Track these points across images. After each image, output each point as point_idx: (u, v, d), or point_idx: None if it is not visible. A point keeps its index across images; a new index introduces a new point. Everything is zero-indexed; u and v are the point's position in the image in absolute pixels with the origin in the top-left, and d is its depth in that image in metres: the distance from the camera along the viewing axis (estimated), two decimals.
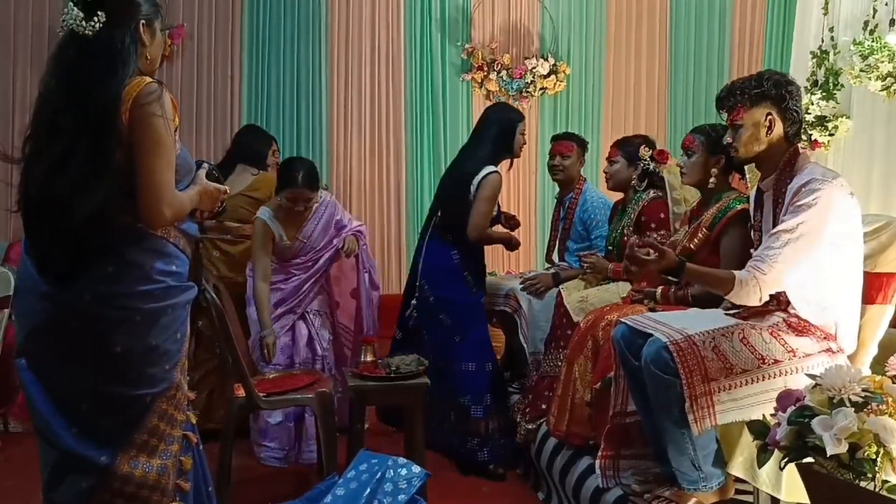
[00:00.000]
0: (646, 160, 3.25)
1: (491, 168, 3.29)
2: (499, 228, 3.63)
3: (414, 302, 3.43)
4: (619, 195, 3.51)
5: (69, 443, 1.77)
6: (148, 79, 1.80)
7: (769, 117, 2.16)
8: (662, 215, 3.10)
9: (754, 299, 2.08)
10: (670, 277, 2.22)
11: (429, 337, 3.41)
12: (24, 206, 1.79)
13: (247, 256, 3.61)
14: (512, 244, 3.56)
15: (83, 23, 1.76)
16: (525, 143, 3.49)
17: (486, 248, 3.56)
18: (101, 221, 1.73)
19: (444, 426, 3.37)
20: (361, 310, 3.69)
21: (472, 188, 3.27)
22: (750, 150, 2.20)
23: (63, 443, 1.77)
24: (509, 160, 3.47)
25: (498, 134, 3.36)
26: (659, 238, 2.91)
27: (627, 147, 3.35)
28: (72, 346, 1.78)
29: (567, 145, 3.74)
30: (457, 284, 3.34)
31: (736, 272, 2.11)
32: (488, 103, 6.32)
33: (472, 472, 3.26)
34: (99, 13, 1.76)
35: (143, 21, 1.84)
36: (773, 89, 2.16)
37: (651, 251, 2.14)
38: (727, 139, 2.26)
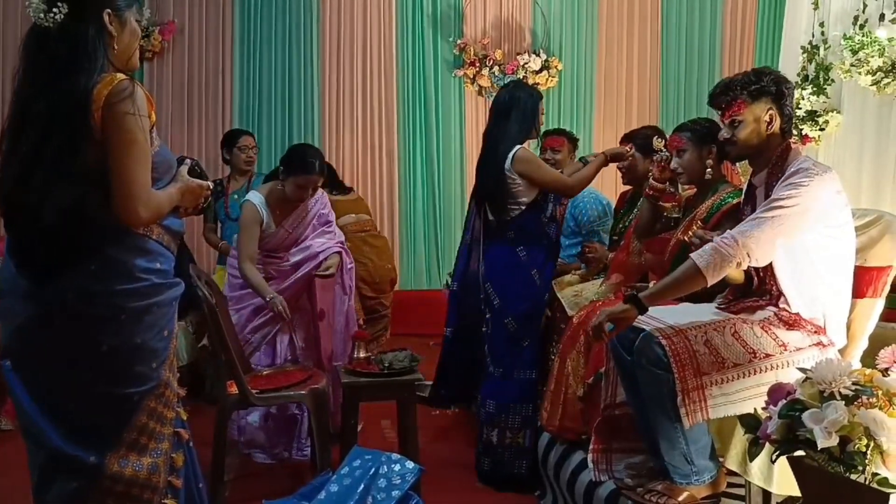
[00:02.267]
0: (661, 151, 3.22)
1: (516, 147, 3.10)
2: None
3: (488, 316, 3.22)
4: (610, 189, 3.52)
5: (57, 443, 1.76)
6: (120, 76, 1.74)
7: (770, 112, 2.17)
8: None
9: (727, 270, 2.07)
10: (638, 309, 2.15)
11: (490, 345, 3.20)
12: (1, 203, 1.76)
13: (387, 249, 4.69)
14: (621, 155, 3.23)
15: (43, 14, 1.70)
16: (543, 123, 3.32)
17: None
18: (78, 220, 1.70)
19: (482, 442, 3.19)
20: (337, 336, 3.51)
21: (511, 176, 3.08)
22: (749, 144, 2.21)
23: (51, 444, 1.76)
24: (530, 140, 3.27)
25: (521, 114, 3.15)
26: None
27: (638, 139, 3.29)
28: (56, 346, 1.76)
29: (558, 140, 3.74)
30: (524, 285, 3.14)
31: (694, 257, 2.08)
32: (480, 99, 6.38)
33: (512, 487, 3.08)
34: (59, 3, 1.69)
35: (109, 10, 1.77)
36: (772, 86, 2.18)
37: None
38: (724, 135, 2.25)
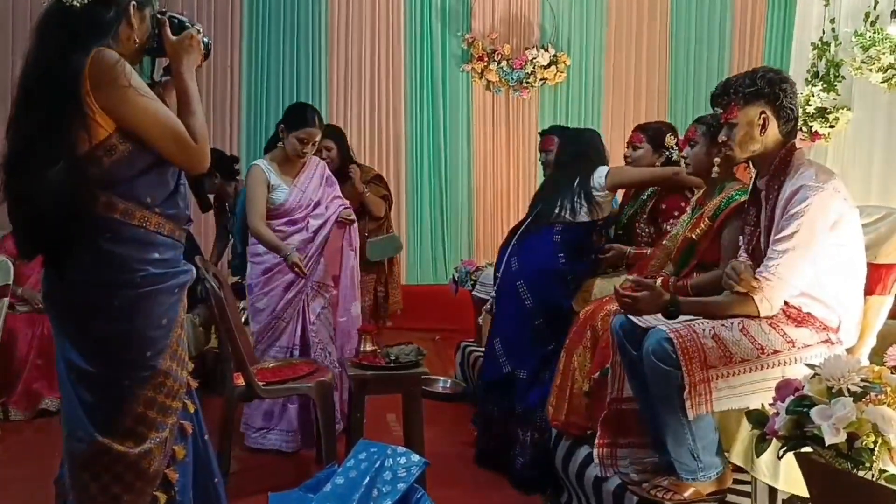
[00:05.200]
0: (672, 149, 3.21)
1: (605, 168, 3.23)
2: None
3: (493, 295, 3.23)
4: None
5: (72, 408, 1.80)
6: (104, 49, 1.71)
7: (763, 116, 2.14)
8: (683, 204, 3.07)
9: (768, 309, 2.08)
10: (670, 311, 2.15)
11: (513, 344, 3.15)
12: (4, 189, 1.76)
13: None
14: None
15: None
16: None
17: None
18: (71, 209, 1.69)
19: (519, 443, 3.11)
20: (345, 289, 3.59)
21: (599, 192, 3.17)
22: (745, 149, 2.18)
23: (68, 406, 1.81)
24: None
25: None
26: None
27: (653, 134, 3.26)
28: (59, 327, 1.81)
29: (547, 140, 3.71)
30: (560, 289, 3.12)
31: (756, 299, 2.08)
32: (488, 94, 6.38)
33: (537, 489, 2.99)
34: None
35: (134, 2, 1.78)
36: (766, 87, 2.13)
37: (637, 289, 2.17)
38: (722, 137, 2.23)
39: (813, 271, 2.07)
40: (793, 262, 2.04)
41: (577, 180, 3.21)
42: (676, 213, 3.09)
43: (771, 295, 2.06)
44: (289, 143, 3.31)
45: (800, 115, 4.53)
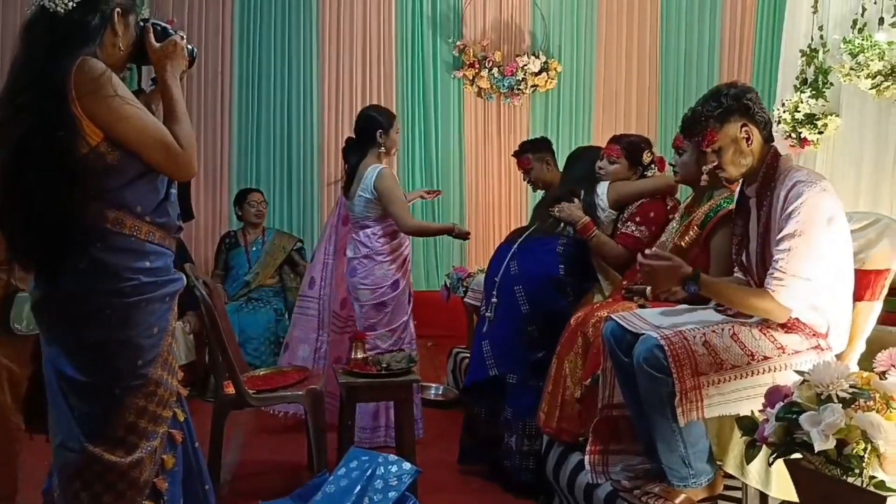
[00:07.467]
0: (651, 166, 3.21)
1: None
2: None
3: (494, 299, 3.19)
4: None
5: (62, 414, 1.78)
6: (89, 58, 1.70)
7: (745, 129, 2.16)
8: (652, 214, 3.07)
9: (781, 312, 2.07)
10: (690, 287, 2.12)
11: (504, 348, 3.13)
12: None
13: None
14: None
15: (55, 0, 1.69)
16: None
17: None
18: (64, 218, 1.68)
19: (503, 447, 3.09)
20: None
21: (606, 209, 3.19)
22: (738, 165, 2.18)
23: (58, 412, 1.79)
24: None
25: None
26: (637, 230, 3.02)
27: (631, 149, 3.22)
28: (49, 334, 1.79)
29: (522, 161, 3.70)
30: (557, 297, 3.10)
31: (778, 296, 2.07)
32: (479, 101, 6.38)
33: (525, 493, 3.00)
34: None
35: (118, 9, 1.77)
36: (734, 103, 2.15)
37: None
38: (711, 161, 2.22)
39: (824, 265, 2.05)
40: (799, 256, 2.03)
41: (582, 195, 3.21)
42: (638, 219, 3.07)
43: (787, 294, 2.04)
44: (391, 141, 3.50)
45: (789, 121, 4.59)
